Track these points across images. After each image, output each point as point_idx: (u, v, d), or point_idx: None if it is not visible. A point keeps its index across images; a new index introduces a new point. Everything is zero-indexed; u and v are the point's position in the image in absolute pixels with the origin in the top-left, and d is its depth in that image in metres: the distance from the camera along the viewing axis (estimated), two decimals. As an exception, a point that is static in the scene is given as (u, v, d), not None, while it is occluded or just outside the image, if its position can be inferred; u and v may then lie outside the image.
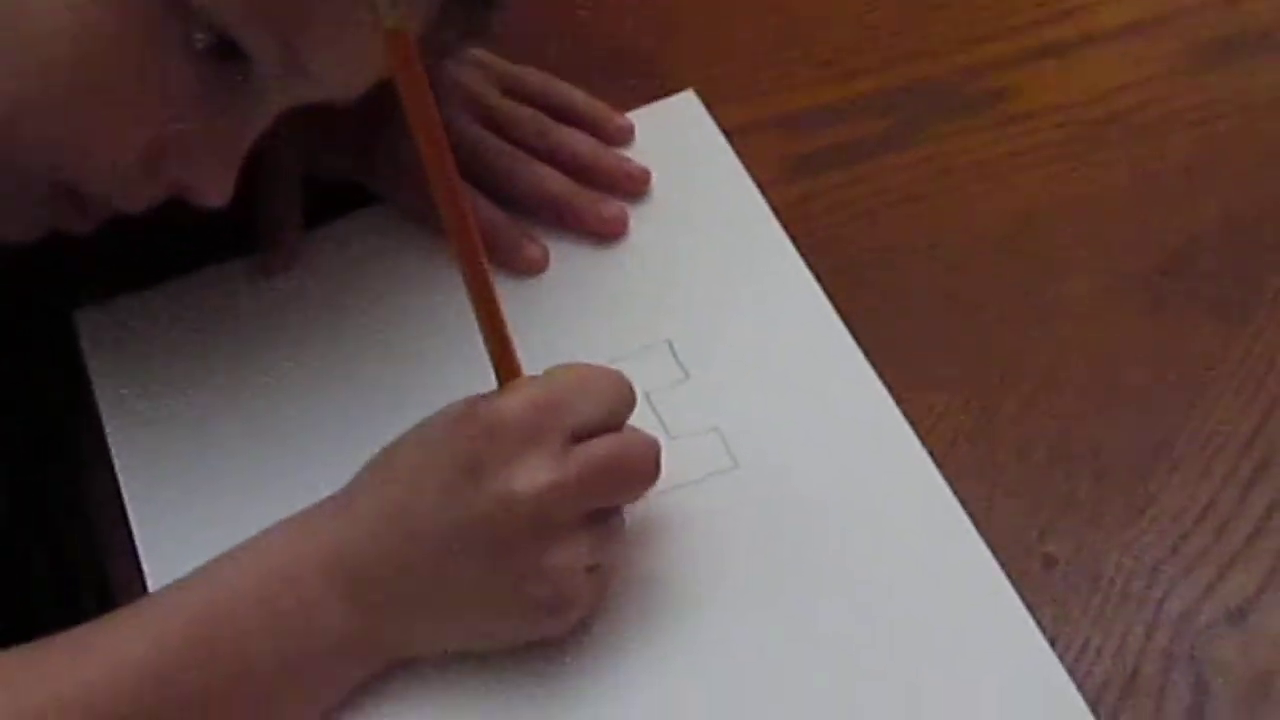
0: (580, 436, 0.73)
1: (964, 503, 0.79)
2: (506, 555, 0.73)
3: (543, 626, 0.76)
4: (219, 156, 0.77)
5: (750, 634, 0.76)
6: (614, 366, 0.76)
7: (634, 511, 0.78)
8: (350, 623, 0.73)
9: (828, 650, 0.75)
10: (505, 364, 0.74)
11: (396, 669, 0.76)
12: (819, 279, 0.87)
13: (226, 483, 0.84)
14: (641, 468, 0.75)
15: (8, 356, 0.88)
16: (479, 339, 0.74)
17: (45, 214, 0.77)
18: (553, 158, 0.92)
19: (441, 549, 0.73)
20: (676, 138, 0.94)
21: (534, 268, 0.90)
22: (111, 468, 0.84)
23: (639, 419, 0.80)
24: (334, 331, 0.88)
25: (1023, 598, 0.75)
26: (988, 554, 0.77)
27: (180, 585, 0.74)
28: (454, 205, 0.72)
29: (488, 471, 0.72)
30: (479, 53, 0.94)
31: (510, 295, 0.75)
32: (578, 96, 0.94)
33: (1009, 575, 0.76)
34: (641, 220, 0.91)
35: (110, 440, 0.85)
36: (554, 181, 0.91)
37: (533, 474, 0.72)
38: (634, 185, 0.92)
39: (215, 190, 0.77)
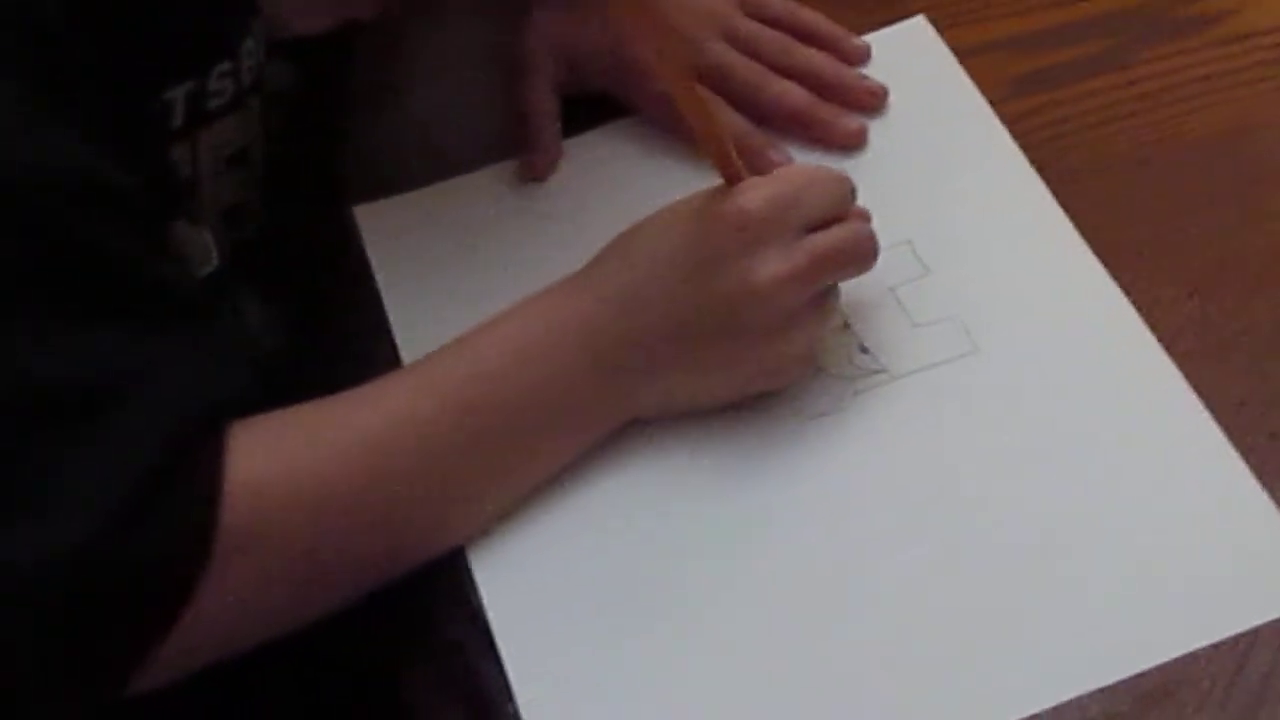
0: (810, 228, 0.82)
1: (1191, 385, 0.84)
2: (740, 337, 0.82)
3: (763, 386, 0.85)
4: None
5: (991, 500, 0.82)
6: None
7: (884, 389, 0.86)
8: (596, 386, 0.83)
9: (1062, 523, 0.80)
10: (729, 167, 0.83)
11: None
12: (1044, 186, 0.93)
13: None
14: (864, 250, 0.84)
15: (295, 248, 0.96)
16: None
17: (341, 5, 0.83)
18: (795, 75, 0.97)
19: (680, 330, 0.82)
20: (909, 58, 1.00)
21: None
22: (393, 343, 0.91)
23: (884, 310, 0.88)
24: (591, 232, 0.93)
25: (1251, 469, 0.81)
26: (1217, 428, 0.82)
27: (449, 350, 0.83)
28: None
29: (728, 263, 0.81)
30: (725, -22, 1.00)
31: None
32: (818, 20, 1.00)
33: (1238, 450, 0.81)
34: (879, 133, 0.97)
35: (391, 319, 0.93)
36: (798, 96, 0.97)
37: (771, 266, 0.81)
38: (872, 100, 0.97)
39: None
